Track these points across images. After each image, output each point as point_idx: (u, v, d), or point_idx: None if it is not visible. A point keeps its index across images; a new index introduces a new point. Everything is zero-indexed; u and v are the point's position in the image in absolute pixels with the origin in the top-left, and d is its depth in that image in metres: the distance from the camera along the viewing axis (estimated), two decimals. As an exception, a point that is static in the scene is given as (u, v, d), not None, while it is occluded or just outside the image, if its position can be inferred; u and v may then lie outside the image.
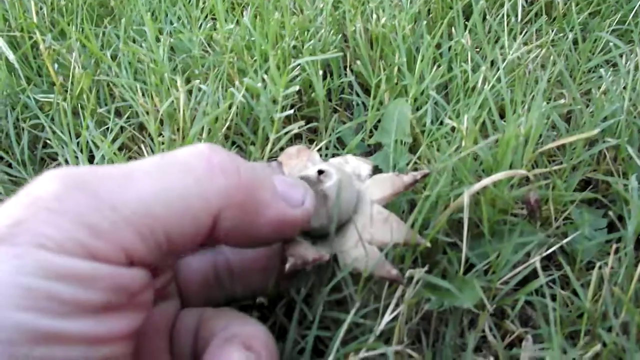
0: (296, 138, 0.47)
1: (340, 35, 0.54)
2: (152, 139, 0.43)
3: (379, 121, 0.46)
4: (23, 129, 0.46)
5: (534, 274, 0.32)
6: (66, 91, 0.49)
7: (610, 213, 0.36)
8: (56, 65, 0.52)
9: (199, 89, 0.46)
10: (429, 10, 0.59)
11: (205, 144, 0.23)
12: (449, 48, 0.52)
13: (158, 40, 0.52)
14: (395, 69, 0.49)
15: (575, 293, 0.32)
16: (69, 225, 0.18)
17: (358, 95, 0.50)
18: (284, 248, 0.25)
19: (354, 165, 0.32)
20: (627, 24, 0.57)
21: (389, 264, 0.26)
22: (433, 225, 0.32)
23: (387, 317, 0.26)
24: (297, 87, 0.44)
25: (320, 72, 0.47)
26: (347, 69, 0.53)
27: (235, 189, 0.22)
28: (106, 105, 0.50)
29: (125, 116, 0.48)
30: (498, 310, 0.33)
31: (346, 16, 0.55)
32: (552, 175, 0.38)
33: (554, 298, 0.32)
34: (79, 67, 0.50)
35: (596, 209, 0.39)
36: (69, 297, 0.17)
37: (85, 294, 0.18)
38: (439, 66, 0.48)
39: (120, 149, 0.43)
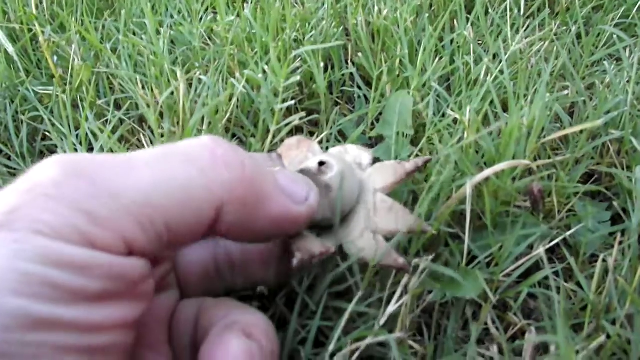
0: (297, 131, 0.46)
1: (341, 28, 0.53)
2: (152, 131, 0.43)
3: (380, 114, 0.45)
4: (22, 122, 0.46)
5: (536, 267, 0.32)
6: (65, 84, 0.49)
7: (615, 204, 0.35)
8: (55, 58, 0.52)
9: (199, 81, 0.46)
10: (431, 3, 0.58)
11: (207, 136, 0.22)
12: (452, 41, 0.52)
13: (158, 32, 0.52)
14: (397, 61, 0.49)
15: (579, 285, 0.31)
16: (67, 211, 0.18)
17: (359, 87, 0.49)
18: (290, 243, 0.25)
19: (355, 154, 0.31)
20: (630, 17, 0.56)
21: (395, 253, 0.26)
22: (435, 217, 0.31)
23: (392, 307, 0.26)
24: (298, 78, 0.43)
25: (322, 64, 0.47)
26: (349, 62, 0.52)
27: (239, 183, 0.21)
28: (105, 97, 0.49)
29: (124, 108, 0.47)
30: (500, 303, 0.33)
31: (348, 9, 0.55)
32: (555, 168, 0.38)
33: (557, 290, 0.31)
34: (78, 60, 0.50)
35: (600, 201, 0.39)
36: (63, 283, 0.17)
37: (80, 281, 0.18)
38: (441, 58, 0.48)
39: (119, 140, 0.43)
